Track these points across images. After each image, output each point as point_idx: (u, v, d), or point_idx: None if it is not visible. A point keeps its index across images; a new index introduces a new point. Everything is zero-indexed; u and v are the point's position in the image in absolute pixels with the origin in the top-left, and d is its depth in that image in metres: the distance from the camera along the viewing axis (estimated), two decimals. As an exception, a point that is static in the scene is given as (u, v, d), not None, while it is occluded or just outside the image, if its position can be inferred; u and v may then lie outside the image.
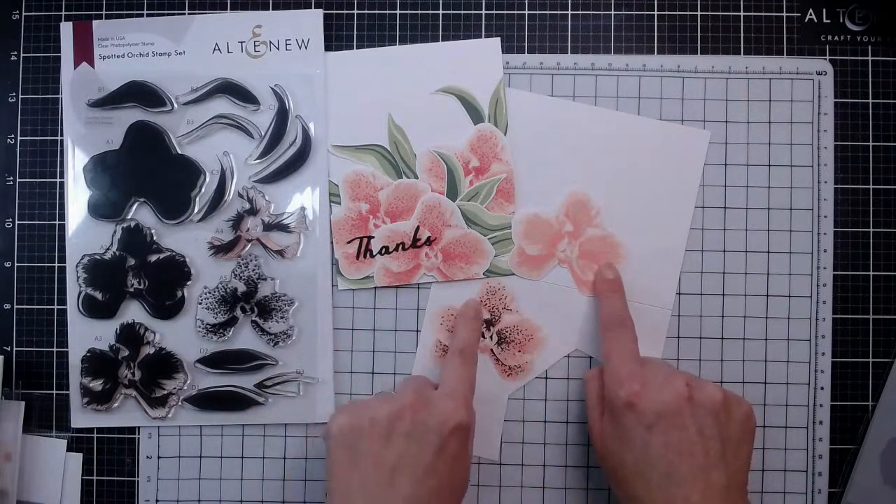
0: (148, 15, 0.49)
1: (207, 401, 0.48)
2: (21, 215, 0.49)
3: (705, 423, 0.40)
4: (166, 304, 0.48)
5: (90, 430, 0.49)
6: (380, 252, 0.48)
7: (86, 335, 0.48)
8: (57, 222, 0.49)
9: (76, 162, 0.48)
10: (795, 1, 0.49)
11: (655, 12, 0.49)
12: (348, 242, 0.48)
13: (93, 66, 0.48)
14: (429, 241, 0.48)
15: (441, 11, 0.49)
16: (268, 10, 0.49)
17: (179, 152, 0.48)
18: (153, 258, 0.48)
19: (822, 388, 0.48)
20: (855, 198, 0.48)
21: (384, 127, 0.48)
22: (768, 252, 0.48)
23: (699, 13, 0.49)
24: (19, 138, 0.49)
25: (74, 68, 0.49)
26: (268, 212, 0.48)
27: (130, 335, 0.48)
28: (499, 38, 0.48)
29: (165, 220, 0.48)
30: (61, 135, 0.49)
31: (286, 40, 0.48)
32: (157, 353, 0.48)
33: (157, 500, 0.49)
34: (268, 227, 0.48)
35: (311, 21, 0.48)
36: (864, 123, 0.48)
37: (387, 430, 0.40)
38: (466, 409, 0.42)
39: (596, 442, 0.44)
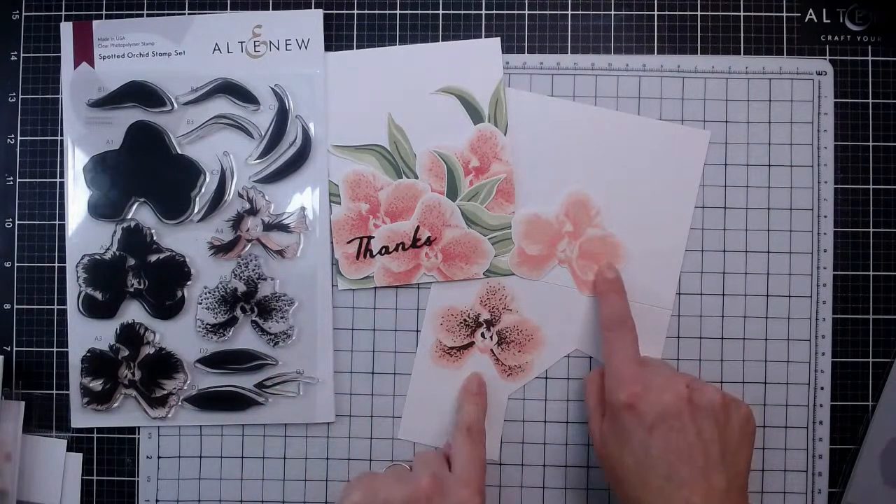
0: (148, 15, 0.49)
1: (207, 401, 0.48)
2: (21, 215, 0.49)
3: (704, 425, 0.40)
4: (166, 304, 0.48)
5: (90, 430, 0.49)
6: (380, 252, 0.48)
7: (86, 335, 0.48)
8: (57, 222, 0.49)
9: (76, 162, 0.48)
10: (795, 1, 0.49)
11: (655, 12, 0.49)
12: (348, 242, 0.48)
13: (93, 66, 0.48)
14: (429, 241, 0.48)
15: (441, 11, 0.49)
16: (268, 10, 0.49)
17: (179, 152, 0.48)
18: (153, 258, 0.48)
19: (822, 388, 0.48)
20: (855, 198, 0.48)
21: (384, 127, 0.48)
22: (768, 252, 0.48)
23: (699, 13, 0.49)
24: (19, 138, 0.49)
25: (74, 68, 0.49)
26: (268, 212, 0.48)
27: (130, 335, 0.48)
28: (499, 38, 0.48)
29: (165, 220, 0.48)
30: (61, 135, 0.49)
31: (286, 40, 0.48)
32: (157, 353, 0.48)
33: (157, 500, 0.49)
34: (268, 227, 0.48)
35: (311, 21, 0.48)
36: (864, 123, 0.48)
37: None
38: (480, 495, 0.42)
39: (596, 444, 0.44)
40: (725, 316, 0.48)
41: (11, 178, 0.49)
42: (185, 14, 0.49)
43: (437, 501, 0.41)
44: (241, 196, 0.48)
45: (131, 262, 0.48)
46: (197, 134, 0.48)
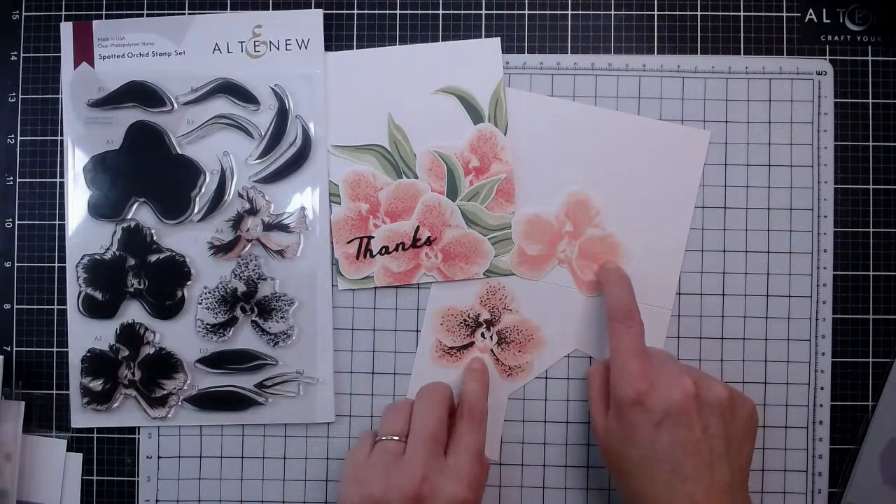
0: (148, 15, 0.49)
1: (207, 401, 0.48)
2: (21, 215, 0.49)
3: (711, 421, 0.41)
4: (166, 304, 0.48)
5: (90, 430, 0.49)
6: (380, 252, 0.48)
7: (86, 335, 0.48)
8: (57, 222, 0.49)
9: (76, 162, 0.48)
10: (795, 1, 0.49)
11: (655, 12, 0.49)
12: (348, 242, 0.48)
13: (93, 66, 0.48)
14: (429, 241, 0.48)
15: (441, 11, 0.49)
16: (268, 10, 0.49)
17: (179, 152, 0.48)
18: (153, 258, 0.48)
19: (822, 388, 0.48)
20: (855, 198, 0.48)
21: (384, 127, 0.48)
22: (768, 252, 0.48)
23: (699, 13, 0.49)
24: (19, 138, 0.49)
25: (74, 68, 0.49)
26: (268, 212, 0.48)
27: (130, 335, 0.48)
28: (499, 38, 0.48)
29: (165, 220, 0.48)
30: (61, 135, 0.49)
31: (286, 40, 0.48)
32: (157, 353, 0.48)
33: (157, 500, 0.49)
34: (268, 227, 0.48)
35: (311, 21, 0.48)
36: (864, 123, 0.48)
37: None
38: (473, 489, 0.42)
39: (600, 438, 0.44)
40: (725, 316, 0.48)
41: (11, 178, 0.49)
42: (185, 14, 0.49)
43: (428, 501, 0.41)
44: (241, 196, 0.48)
45: (131, 262, 0.48)
46: (197, 134, 0.48)
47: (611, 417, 0.43)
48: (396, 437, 0.44)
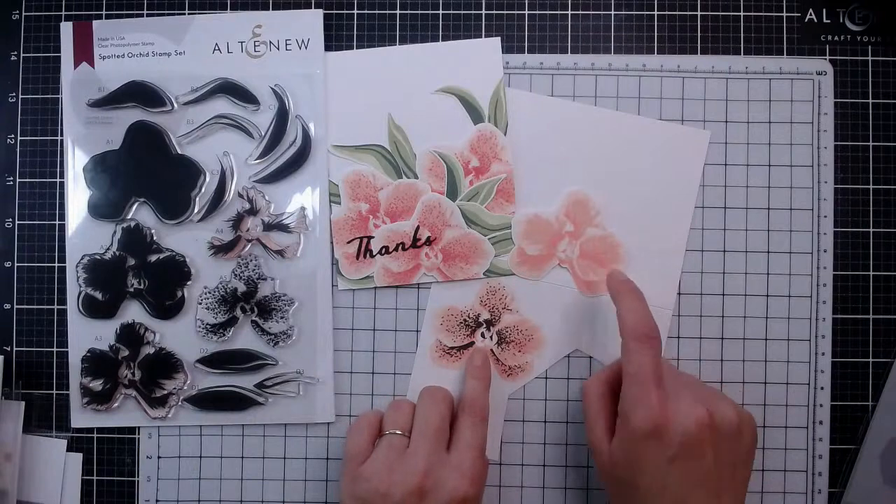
0: (148, 15, 0.49)
1: (207, 401, 0.48)
2: (21, 215, 0.49)
3: (722, 448, 0.40)
4: (166, 304, 0.48)
5: (90, 430, 0.49)
6: (380, 252, 0.48)
7: (86, 335, 0.48)
8: (57, 222, 0.49)
9: (76, 162, 0.48)
10: (795, 1, 0.49)
11: (655, 12, 0.49)
12: (348, 242, 0.48)
13: (93, 66, 0.48)
14: (429, 241, 0.48)
15: (441, 11, 0.49)
16: (268, 10, 0.49)
17: (179, 152, 0.48)
18: (153, 258, 0.48)
19: (822, 388, 0.48)
20: (855, 198, 0.48)
21: (384, 127, 0.48)
22: (768, 252, 0.48)
23: (699, 13, 0.49)
24: (19, 138, 0.49)
25: (74, 68, 0.49)
26: (268, 212, 0.48)
27: (130, 335, 0.48)
28: (499, 38, 0.48)
29: (165, 220, 0.48)
30: (61, 135, 0.49)
31: (286, 40, 0.48)
32: (157, 353, 0.48)
33: (157, 500, 0.49)
34: (268, 227, 0.48)
35: (311, 21, 0.48)
36: (864, 123, 0.48)
37: None
38: (475, 484, 0.42)
39: (603, 464, 0.42)
40: (725, 316, 0.48)
41: (11, 178, 0.49)
42: (185, 14, 0.49)
43: (431, 495, 0.41)
44: (241, 196, 0.48)
45: (131, 262, 0.48)
46: (197, 134, 0.48)
47: (617, 445, 0.41)
48: (400, 432, 0.44)
